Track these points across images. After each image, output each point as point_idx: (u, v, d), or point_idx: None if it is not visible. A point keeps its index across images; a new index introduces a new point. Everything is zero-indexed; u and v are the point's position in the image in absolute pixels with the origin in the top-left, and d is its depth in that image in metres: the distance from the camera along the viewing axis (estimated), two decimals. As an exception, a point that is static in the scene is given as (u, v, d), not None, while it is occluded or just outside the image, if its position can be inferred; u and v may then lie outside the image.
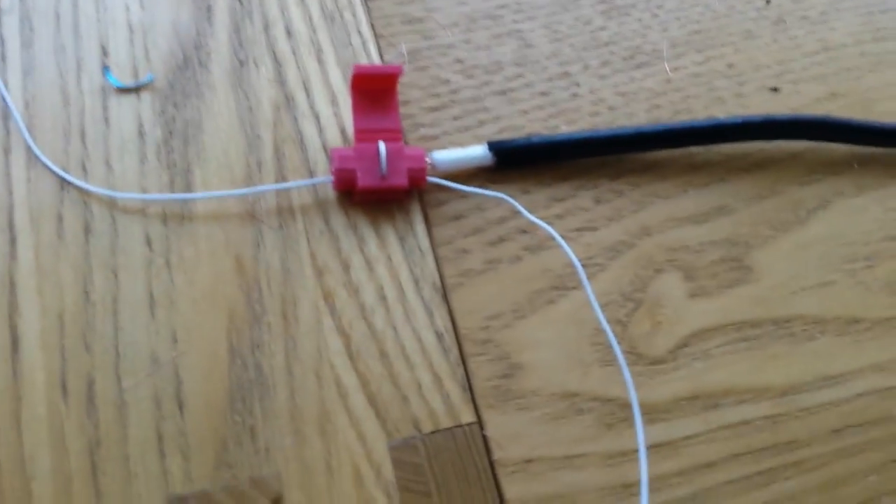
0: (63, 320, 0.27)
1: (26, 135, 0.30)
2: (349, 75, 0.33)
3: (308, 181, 0.31)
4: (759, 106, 0.36)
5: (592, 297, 0.28)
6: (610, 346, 0.30)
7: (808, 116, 0.34)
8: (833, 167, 0.35)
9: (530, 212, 0.32)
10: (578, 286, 0.31)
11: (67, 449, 0.26)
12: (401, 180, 0.30)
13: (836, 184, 0.35)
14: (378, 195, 0.30)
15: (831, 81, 0.37)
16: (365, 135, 0.31)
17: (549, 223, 0.32)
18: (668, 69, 0.36)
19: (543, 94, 0.35)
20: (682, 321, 0.31)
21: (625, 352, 0.30)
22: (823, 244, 0.33)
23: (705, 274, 0.32)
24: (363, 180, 0.29)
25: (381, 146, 0.30)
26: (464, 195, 0.32)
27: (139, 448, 0.26)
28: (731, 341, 0.31)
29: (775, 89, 0.36)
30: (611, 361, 0.29)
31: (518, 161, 0.33)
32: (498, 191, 0.32)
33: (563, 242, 0.30)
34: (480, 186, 0.32)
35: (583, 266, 0.31)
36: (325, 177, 0.31)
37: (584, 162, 0.33)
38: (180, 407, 0.27)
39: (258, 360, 0.28)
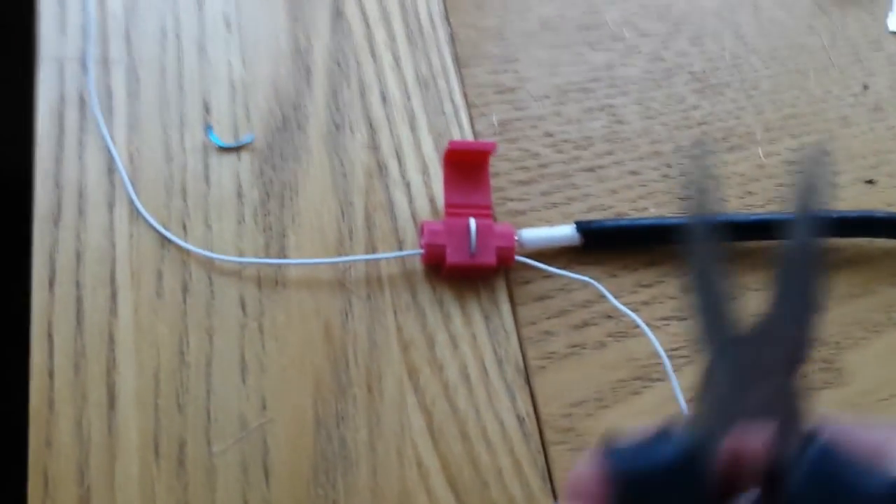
0: (158, 379, 0.28)
1: (130, 189, 0.31)
2: (441, 144, 0.34)
3: (397, 254, 0.31)
4: (854, 198, 0.35)
5: (678, 391, 0.28)
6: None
7: (906, 215, 0.33)
8: (929, 267, 0.34)
9: (616, 297, 0.32)
10: (664, 378, 0.30)
11: (156, 510, 0.26)
12: (489, 258, 0.30)
13: (932, 285, 0.34)
14: (466, 272, 0.30)
15: (930, 176, 0.36)
16: (455, 209, 0.31)
17: (634, 310, 0.32)
18: (761, 154, 0.36)
19: (633, 173, 0.35)
20: (767, 423, 0.30)
21: (708, 451, 0.29)
22: (917, 350, 0.32)
23: (793, 374, 0.31)
24: (452, 257, 0.30)
25: (472, 223, 0.30)
26: (549, 275, 0.32)
27: (224, 514, 0.27)
28: (817, 447, 0.30)
29: (871, 181, 0.36)
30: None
31: (606, 243, 0.33)
32: (584, 273, 0.32)
33: (648, 331, 0.30)
34: (566, 267, 0.32)
35: (669, 357, 0.31)
36: (413, 250, 0.31)
37: (672, 247, 0.33)
38: (266, 475, 0.27)
39: (342, 434, 0.28)
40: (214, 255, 0.30)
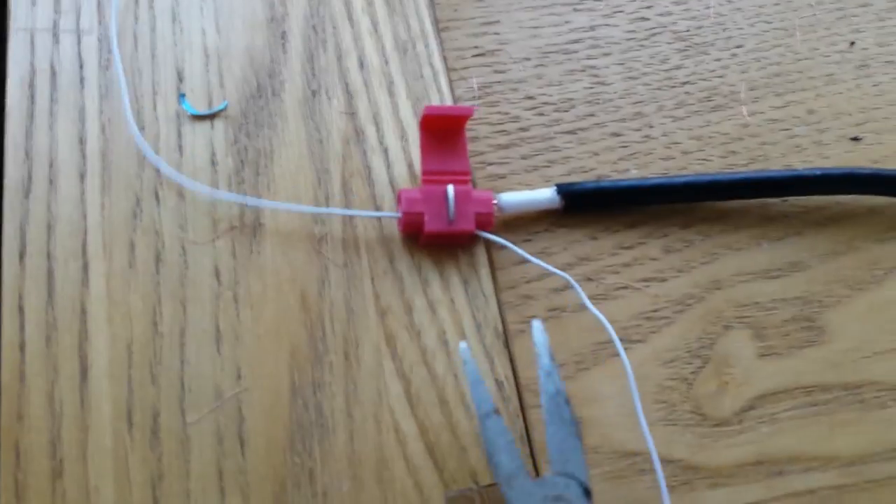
0: (131, 350, 0.28)
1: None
2: (419, 109, 0.33)
3: (375, 213, 0.30)
4: (839, 156, 0.35)
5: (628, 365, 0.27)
6: (673, 406, 0.29)
7: (889, 172, 0.33)
8: (915, 225, 0.33)
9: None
10: (644, 339, 0.30)
11: (131, 481, 0.26)
12: (468, 225, 0.30)
13: (918, 243, 0.33)
14: (445, 239, 0.30)
15: (917, 133, 0.35)
16: (433, 176, 0.30)
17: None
18: (745, 113, 0.35)
19: (615, 134, 0.34)
20: (749, 382, 0.30)
21: (689, 412, 0.29)
22: (902, 308, 0.32)
23: (776, 333, 0.31)
24: (430, 224, 0.29)
25: (450, 190, 0.30)
26: (528, 239, 0.31)
27: (200, 484, 0.26)
28: (799, 406, 0.30)
29: (856, 139, 0.35)
30: (675, 421, 0.29)
31: (586, 205, 0.32)
32: (565, 235, 0.32)
33: (606, 321, 0.29)
34: (546, 231, 0.32)
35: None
36: (392, 212, 0.31)
37: (654, 208, 0.33)
38: (242, 444, 0.27)
39: (319, 401, 0.28)
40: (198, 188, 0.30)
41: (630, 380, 0.27)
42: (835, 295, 0.32)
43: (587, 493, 0.21)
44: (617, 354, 0.30)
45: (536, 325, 0.24)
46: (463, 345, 0.23)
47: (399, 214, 0.30)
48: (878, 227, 0.33)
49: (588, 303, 0.28)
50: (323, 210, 0.30)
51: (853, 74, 0.37)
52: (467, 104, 0.34)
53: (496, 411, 0.22)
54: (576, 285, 0.29)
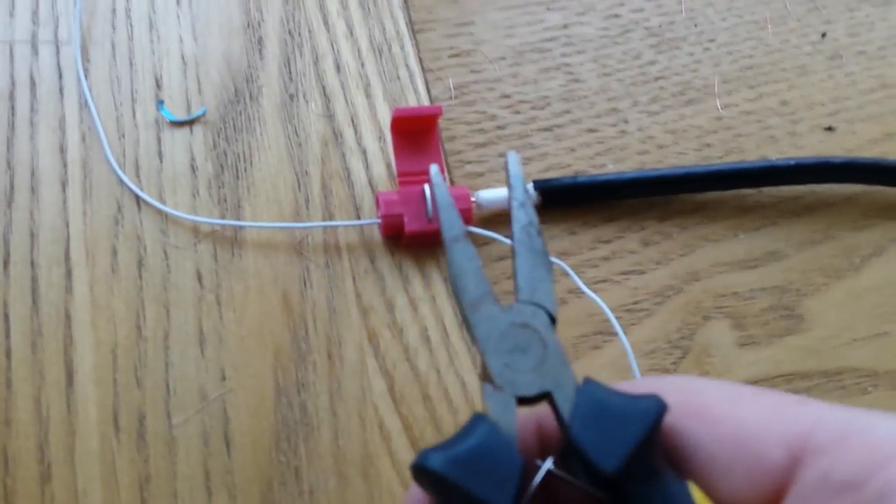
0: (116, 354, 0.28)
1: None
2: (396, 111, 0.34)
3: (355, 222, 0.31)
4: (813, 146, 0.35)
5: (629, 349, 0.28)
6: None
7: (863, 160, 0.33)
8: (889, 211, 0.34)
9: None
10: (625, 331, 0.30)
11: (118, 484, 0.26)
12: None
13: (892, 229, 0.34)
14: (426, 238, 0.30)
15: (888, 121, 0.36)
16: (408, 178, 0.31)
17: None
18: (719, 106, 0.36)
19: (591, 130, 0.35)
20: (730, 371, 0.30)
21: (670, 401, 0.29)
22: (878, 293, 0.32)
23: (755, 322, 0.31)
24: (410, 225, 0.30)
25: (427, 190, 0.30)
26: (508, 235, 0.32)
27: (187, 484, 0.27)
28: (779, 393, 0.30)
29: (830, 128, 0.36)
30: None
31: (564, 201, 0.33)
32: (544, 231, 0.32)
33: (597, 298, 0.30)
34: (526, 226, 0.32)
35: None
36: (371, 218, 0.31)
37: (631, 202, 0.33)
38: (227, 445, 0.27)
39: (303, 400, 0.28)
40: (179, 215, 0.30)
41: (630, 359, 0.27)
42: (813, 283, 0.32)
43: (553, 321, 0.20)
44: (598, 347, 0.30)
45: (512, 156, 0.22)
46: (434, 167, 0.23)
47: (378, 220, 0.30)
48: (853, 215, 0.34)
49: (583, 286, 0.29)
50: (303, 225, 0.30)
51: (825, 65, 0.37)
52: (444, 104, 0.34)
53: (465, 236, 0.21)
54: (570, 270, 0.29)
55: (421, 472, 0.18)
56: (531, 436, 0.20)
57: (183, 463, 0.27)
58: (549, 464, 0.18)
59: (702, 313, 0.31)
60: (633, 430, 0.17)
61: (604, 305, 0.29)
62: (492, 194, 0.32)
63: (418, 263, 0.31)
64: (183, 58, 0.34)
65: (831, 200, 0.34)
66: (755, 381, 0.30)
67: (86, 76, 0.33)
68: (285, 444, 0.27)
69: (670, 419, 0.18)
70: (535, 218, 0.21)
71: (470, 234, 0.31)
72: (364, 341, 0.29)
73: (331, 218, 0.31)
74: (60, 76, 0.33)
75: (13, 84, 0.32)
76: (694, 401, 0.18)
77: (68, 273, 0.29)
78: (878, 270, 0.33)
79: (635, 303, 0.31)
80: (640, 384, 0.19)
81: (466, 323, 0.20)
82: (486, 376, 0.19)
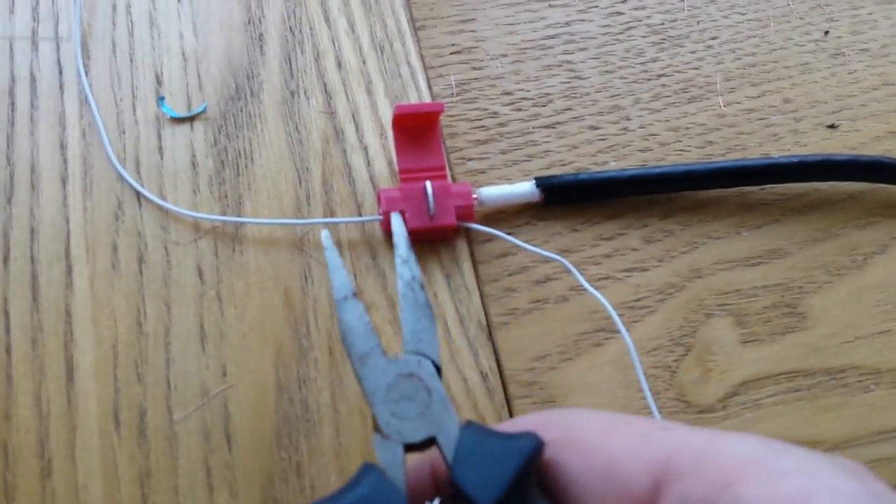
0: (116, 350, 0.28)
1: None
2: (398, 107, 0.33)
3: (357, 219, 0.31)
4: (816, 144, 0.35)
5: (631, 347, 0.28)
6: (657, 394, 0.29)
7: (866, 158, 0.33)
8: (892, 209, 0.34)
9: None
10: (627, 329, 0.30)
11: (119, 479, 0.26)
12: (449, 219, 0.30)
13: (895, 227, 0.34)
14: (427, 235, 0.30)
15: (891, 119, 0.36)
16: (410, 174, 0.31)
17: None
18: (721, 103, 0.35)
19: (593, 128, 0.34)
20: (732, 369, 0.30)
21: (673, 399, 0.29)
22: (880, 291, 0.32)
23: (757, 320, 0.31)
24: (412, 221, 0.29)
25: (428, 186, 0.30)
26: (510, 232, 0.32)
27: (188, 480, 0.27)
28: (782, 391, 0.30)
29: (833, 126, 0.35)
30: (659, 408, 0.29)
31: (566, 198, 0.32)
32: (546, 228, 0.32)
33: (607, 304, 0.30)
34: (527, 224, 0.32)
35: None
36: (373, 214, 0.31)
37: (633, 199, 0.33)
38: (228, 441, 0.27)
39: (305, 396, 0.28)
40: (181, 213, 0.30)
41: (633, 357, 0.27)
42: (815, 281, 0.32)
43: (438, 371, 0.21)
44: (600, 345, 0.30)
45: (395, 217, 0.24)
46: (325, 232, 0.24)
47: (380, 217, 0.30)
48: (856, 213, 0.34)
49: (585, 283, 0.29)
50: (304, 221, 0.30)
51: (828, 63, 0.37)
52: (445, 101, 0.34)
53: (354, 295, 0.22)
54: (572, 268, 0.29)
55: None
56: (426, 478, 0.21)
57: (184, 459, 0.27)
58: None
59: (704, 311, 0.31)
60: (509, 467, 0.19)
61: (606, 303, 0.29)
62: (493, 191, 0.32)
63: (420, 260, 0.31)
64: (183, 54, 0.34)
65: (834, 198, 0.34)
66: (757, 379, 0.30)
67: (86, 72, 0.33)
68: (286, 441, 0.27)
69: (550, 453, 0.19)
70: (417, 272, 0.23)
71: (466, 235, 0.31)
72: (365, 338, 0.29)
73: (332, 214, 0.31)
74: (61, 72, 0.33)
75: (13, 80, 0.32)
76: (572, 434, 0.19)
77: (69, 269, 0.29)
78: (881, 268, 0.33)
79: (637, 300, 0.31)
80: (522, 422, 0.21)
81: (356, 376, 0.21)
82: (375, 426, 0.21)
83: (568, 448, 0.19)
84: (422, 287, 0.23)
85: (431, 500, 0.20)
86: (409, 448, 0.20)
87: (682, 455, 0.17)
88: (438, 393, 0.21)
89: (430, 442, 0.20)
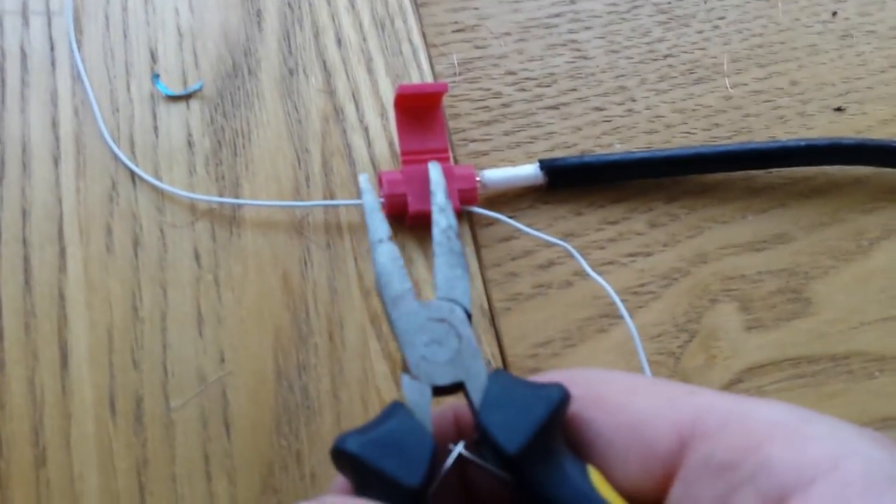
0: (111, 336, 0.27)
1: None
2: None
3: (357, 201, 0.30)
4: (823, 126, 0.34)
5: (635, 333, 0.27)
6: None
7: (874, 141, 0.33)
8: (898, 194, 0.33)
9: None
10: (631, 314, 0.30)
11: (115, 468, 0.26)
12: (452, 202, 0.29)
13: (902, 212, 0.33)
14: (429, 218, 0.30)
15: (900, 102, 0.35)
16: (412, 156, 0.30)
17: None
18: (728, 85, 0.35)
19: (598, 109, 0.34)
20: (737, 355, 0.30)
21: (676, 385, 0.29)
22: (886, 276, 0.32)
23: (762, 305, 0.31)
24: (414, 205, 0.29)
25: (431, 169, 0.29)
26: (513, 215, 0.31)
27: (186, 469, 0.26)
28: (787, 378, 0.30)
29: (840, 109, 0.35)
30: (662, 394, 0.29)
31: (570, 181, 0.32)
32: (549, 211, 0.31)
33: (608, 287, 0.29)
34: (531, 207, 0.32)
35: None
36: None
37: (638, 183, 0.32)
38: (227, 428, 0.27)
39: (304, 383, 0.28)
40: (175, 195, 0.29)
41: (636, 342, 0.27)
42: (821, 266, 0.32)
43: (469, 317, 0.22)
44: (604, 330, 0.30)
45: (434, 166, 0.24)
46: (363, 175, 0.24)
47: (381, 199, 0.30)
48: (863, 197, 0.33)
49: (588, 269, 0.28)
50: (303, 204, 0.30)
51: (836, 45, 0.36)
52: (448, 81, 0.33)
53: (390, 238, 0.23)
54: (575, 253, 0.29)
55: (338, 455, 0.19)
56: (449, 424, 0.21)
57: (181, 447, 0.26)
58: (460, 447, 0.19)
59: (709, 296, 0.31)
60: (536, 414, 0.19)
61: (609, 288, 0.28)
62: (497, 174, 0.31)
63: (421, 244, 0.30)
64: (179, 30, 0.33)
65: (841, 182, 0.33)
66: (762, 365, 0.30)
67: (78, 48, 0.32)
68: (286, 428, 0.27)
69: (575, 408, 0.19)
70: (454, 222, 0.23)
71: (469, 219, 0.30)
72: (366, 323, 0.29)
73: (332, 197, 0.30)
74: (52, 48, 0.32)
75: (3, 56, 0.31)
76: (597, 392, 0.20)
77: (62, 252, 0.28)
78: (886, 253, 0.32)
79: (642, 285, 0.31)
80: (548, 376, 0.20)
81: (388, 318, 0.21)
82: (404, 367, 0.21)
83: (593, 405, 0.19)
84: (457, 235, 0.23)
85: (455, 444, 0.20)
86: (437, 391, 0.20)
87: (709, 417, 0.18)
88: (468, 339, 0.21)
89: (457, 386, 0.20)
